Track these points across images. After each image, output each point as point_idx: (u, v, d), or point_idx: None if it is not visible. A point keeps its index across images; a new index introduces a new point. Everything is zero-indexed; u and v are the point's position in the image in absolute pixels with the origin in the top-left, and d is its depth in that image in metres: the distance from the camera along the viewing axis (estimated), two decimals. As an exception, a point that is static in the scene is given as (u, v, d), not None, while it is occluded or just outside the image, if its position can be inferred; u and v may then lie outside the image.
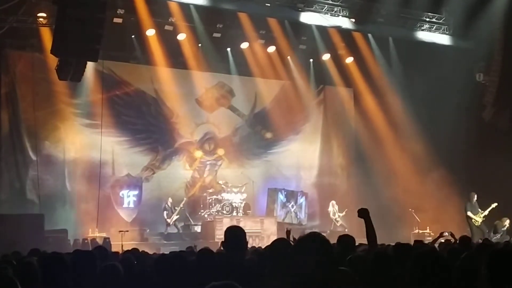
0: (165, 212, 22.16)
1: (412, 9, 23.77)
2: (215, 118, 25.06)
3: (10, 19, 19.63)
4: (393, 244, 7.71)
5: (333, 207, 24.20)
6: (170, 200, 22.49)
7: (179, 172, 24.23)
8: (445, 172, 22.74)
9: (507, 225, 19.73)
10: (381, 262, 5.68)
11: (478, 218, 20.12)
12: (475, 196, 20.48)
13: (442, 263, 4.81)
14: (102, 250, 8.57)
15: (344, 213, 23.71)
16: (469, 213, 20.27)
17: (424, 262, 4.79)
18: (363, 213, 6.95)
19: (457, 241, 11.03)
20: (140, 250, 12.02)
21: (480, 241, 14.41)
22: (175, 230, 22.19)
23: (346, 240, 7.17)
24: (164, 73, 23.44)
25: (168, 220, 21.92)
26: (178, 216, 22.18)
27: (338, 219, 23.84)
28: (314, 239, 4.00)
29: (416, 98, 23.81)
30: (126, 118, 23.15)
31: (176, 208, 22.16)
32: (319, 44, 24.34)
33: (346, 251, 6.43)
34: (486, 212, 20.14)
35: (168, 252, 8.58)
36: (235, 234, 5.99)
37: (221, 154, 24.89)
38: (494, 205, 20.11)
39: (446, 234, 12.68)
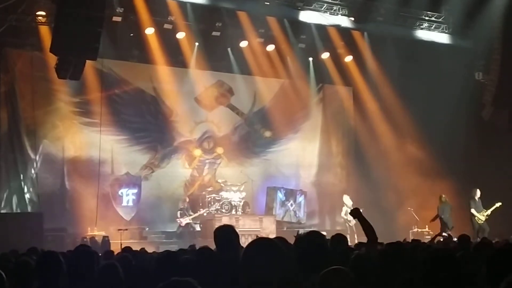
0: (179, 212, 22.25)
1: (411, 7, 23.80)
2: (214, 117, 25.04)
3: (10, 17, 19.63)
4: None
5: (347, 206, 22.67)
6: (187, 199, 22.68)
7: (178, 170, 24.22)
8: (445, 170, 22.76)
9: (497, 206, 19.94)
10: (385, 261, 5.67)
11: (481, 217, 20.07)
12: (478, 192, 20.36)
13: (454, 264, 4.81)
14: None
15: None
16: (472, 211, 20.21)
17: (436, 262, 4.79)
18: (354, 213, 6.94)
19: (451, 238, 11.06)
20: (139, 249, 12.08)
21: (478, 239, 14.40)
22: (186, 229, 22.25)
23: (338, 239, 7.18)
24: (163, 71, 23.43)
25: (181, 220, 22.00)
26: (191, 221, 22.23)
27: (351, 219, 21.53)
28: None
29: (415, 97, 23.80)
30: (125, 116, 23.14)
31: (191, 211, 22.27)
32: (318, 42, 24.36)
33: (339, 250, 6.45)
34: (489, 212, 20.11)
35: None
36: (225, 233, 6.02)
37: (220, 153, 24.88)
38: (498, 204, 19.98)
39: (445, 234, 12.71)
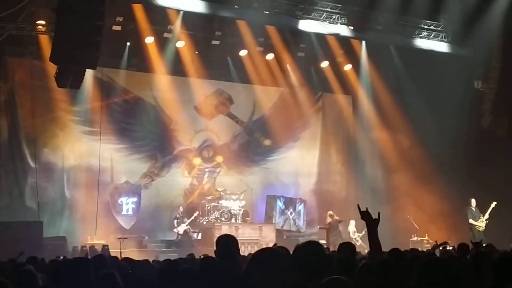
0: (175, 221, 22.25)
1: (410, 16, 23.82)
2: (213, 125, 25.06)
3: (9, 26, 19.66)
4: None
5: (353, 227, 22.91)
6: (181, 208, 22.68)
7: (178, 179, 24.22)
8: (444, 178, 22.77)
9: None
10: (382, 270, 5.66)
11: (480, 223, 20.17)
12: (474, 202, 20.51)
13: (448, 273, 4.82)
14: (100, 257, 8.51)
15: (363, 232, 23.36)
16: (470, 221, 20.29)
17: (430, 270, 4.80)
18: (365, 216, 6.66)
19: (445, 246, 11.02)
20: (142, 259, 12.04)
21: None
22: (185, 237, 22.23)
23: (346, 248, 7.14)
24: (162, 80, 23.46)
25: (178, 229, 22.00)
26: (188, 227, 22.20)
27: (358, 239, 22.34)
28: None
29: (415, 105, 23.83)
30: (125, 125, 23.15)
31: (186, 219, 22.29)
32: (317, 51, 24.40)
33: (347, 259, 6.43)
34: (487, 215, 20.21)
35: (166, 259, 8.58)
36: (226, 243, 6.03)
37: (219, 161, 24.89)
38: (493, 204, 20.18)
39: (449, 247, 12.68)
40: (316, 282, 4.20)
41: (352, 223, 22.67)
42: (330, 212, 22.38)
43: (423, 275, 4.89)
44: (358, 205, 6.62)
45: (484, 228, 20.19)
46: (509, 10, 22.76)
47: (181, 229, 22.04)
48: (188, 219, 22.37)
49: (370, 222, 6.45)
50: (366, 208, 6.54)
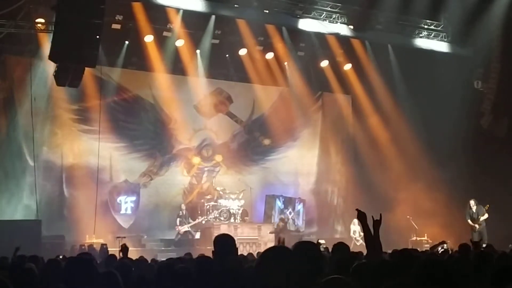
0: (178, 219, 22.20)
1: (410, 16, 23.82)
2: (213, 124, 25.02)
3: (9, 24, 19.64)
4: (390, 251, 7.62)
5: (357, 226, 22.94)
6: (183, 206, 22.64)
7: (177, 178, 24.18)
8: (444, 178, 22.75)
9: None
10: (382, 270, 5.63)
11: (477, 225, 20.25)
12: (473, 202, 20.56)
13: (447, 271, 4.80)
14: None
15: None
16: (469, 221, 20.38)
17: (429, 270, 4.77)
18: (361, 217, 6.66)
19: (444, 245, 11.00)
20: (138, 257, 12.01)
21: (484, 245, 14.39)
22: (184, 237, 22.20)
23: (340, 248, 7.12)
24: (162, 79, 23.42)
25: (180, 228, 21.97)
26: (190, 229, 22.17)
27: (359, 238, 22.45)
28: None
29: (414, 105, 23.80)
30: (124, 124, 23.12)
31: (190, 219, 22.25)
32: (317, 50, 24.40)
33: (341, 259, 6.40)
34: (484, 217, 20.27)
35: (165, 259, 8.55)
36: (224, 242, 6.00)
37: (219, 161, 24.85)
38: (486, 207, 20.36)
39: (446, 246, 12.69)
40: (314, 282, 4.17)
41: (355, 222, 22.63)
42: (282, 216, 23.03)
43: (422, 275, 4.86)
44: (357, 209, 6.61)
45: (478, 228, 20.25)
46: (509, 10, 22.75)
47: (183, 229, 22.03)
48: (192, 219, 22.38)
49: (366, 225, 6.44)
50: (364, 213, 6.54)
